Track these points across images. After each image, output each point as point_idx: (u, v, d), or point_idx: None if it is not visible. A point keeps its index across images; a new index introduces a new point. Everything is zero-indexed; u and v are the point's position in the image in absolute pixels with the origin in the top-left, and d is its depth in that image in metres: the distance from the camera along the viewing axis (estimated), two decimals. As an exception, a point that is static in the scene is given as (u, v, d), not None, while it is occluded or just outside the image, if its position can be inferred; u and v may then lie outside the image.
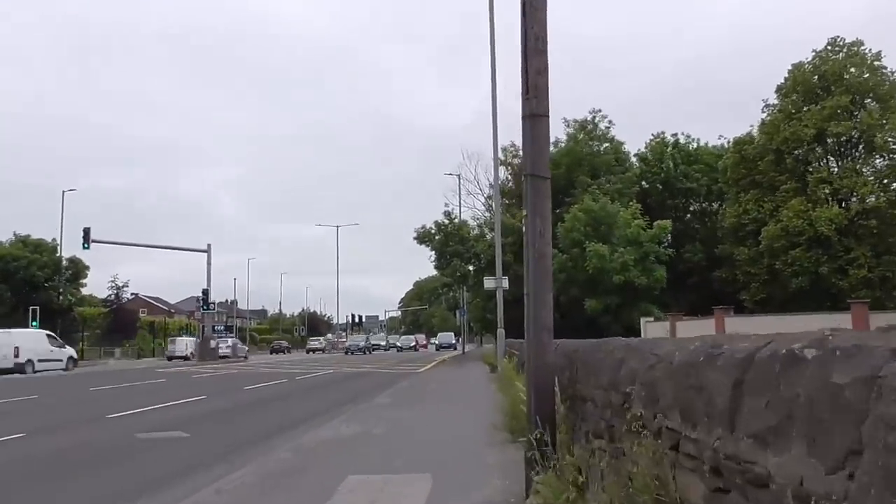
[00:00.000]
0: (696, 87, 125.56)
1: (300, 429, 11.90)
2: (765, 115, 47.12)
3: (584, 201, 40.53)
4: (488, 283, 25.89)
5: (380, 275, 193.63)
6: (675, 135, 51.43)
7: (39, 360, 35.59)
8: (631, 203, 42.05)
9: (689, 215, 55.57)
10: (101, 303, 69.31)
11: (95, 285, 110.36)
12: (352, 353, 61.90)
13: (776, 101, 46.80)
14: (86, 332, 65.85)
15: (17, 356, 33.73)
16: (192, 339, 56.55)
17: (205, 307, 46.87)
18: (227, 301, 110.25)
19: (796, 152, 44.98)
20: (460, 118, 78.11)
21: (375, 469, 7.62)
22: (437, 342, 73.82)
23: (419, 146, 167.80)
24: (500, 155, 44.73)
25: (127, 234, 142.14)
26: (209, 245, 47.10)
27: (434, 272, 57.60)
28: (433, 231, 47.56)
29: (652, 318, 35.85)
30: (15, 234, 55.57)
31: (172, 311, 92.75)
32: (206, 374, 31.77)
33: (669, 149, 50.55)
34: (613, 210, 40.10)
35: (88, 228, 44.33)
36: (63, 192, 61.19)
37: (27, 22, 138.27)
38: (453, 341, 69.40)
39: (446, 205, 53.27)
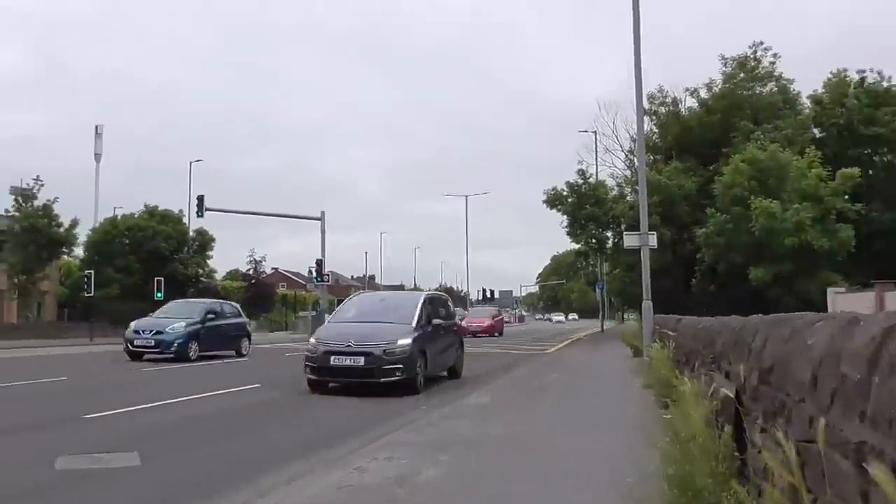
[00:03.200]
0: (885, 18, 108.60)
1: (313, 458, 7.28)
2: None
3: (749, 150, 33.48)
4: (629, 239, 20.37)
5: (517, 250, 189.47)
6: (863, 71, 42.42)
7: None
8: (808, 150, 34.51)
9: (871, 170, 46.50)
10: (241, 276, 69.70)
11: (239, 260, 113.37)
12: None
13: None
14: (226, 306, 66.00)
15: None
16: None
17: (318, 278, 43.69)
18: (363, 276, 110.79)
19: None
20: (598, 92, 72.34)
21: None
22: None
23: (553, 120, 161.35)
24: (645, 103, 38.51)
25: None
26: (322, 213, 43.93)
27: (570, 245, 51.76)
28: (565, 193, 42.01)
29: (843, 290, 28.63)
30: (145, 206, 54.94)
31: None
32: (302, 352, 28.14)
33: (852, 88, 41.78)
34: (785, 160, 32.78)
35: (202, 196, 42.29)
36: (190, 162, 60.88)
37: (171, 8, 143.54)
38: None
39: (580, 162, 47.13)
